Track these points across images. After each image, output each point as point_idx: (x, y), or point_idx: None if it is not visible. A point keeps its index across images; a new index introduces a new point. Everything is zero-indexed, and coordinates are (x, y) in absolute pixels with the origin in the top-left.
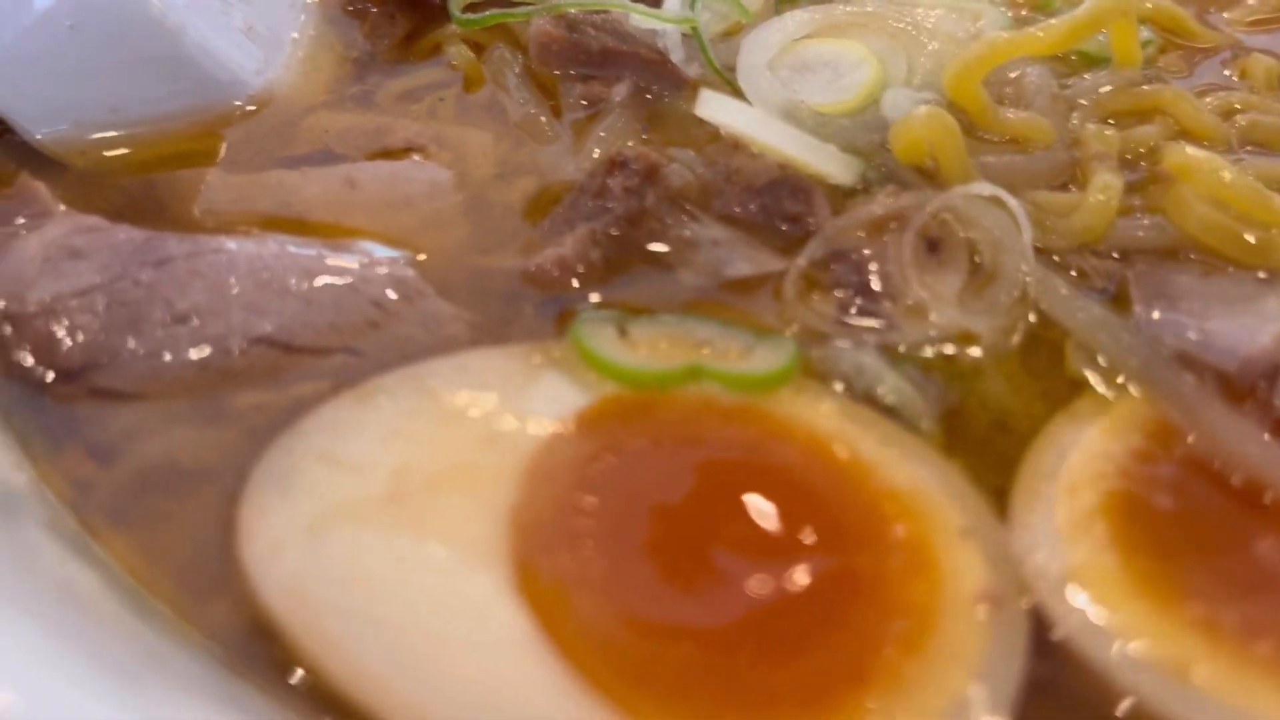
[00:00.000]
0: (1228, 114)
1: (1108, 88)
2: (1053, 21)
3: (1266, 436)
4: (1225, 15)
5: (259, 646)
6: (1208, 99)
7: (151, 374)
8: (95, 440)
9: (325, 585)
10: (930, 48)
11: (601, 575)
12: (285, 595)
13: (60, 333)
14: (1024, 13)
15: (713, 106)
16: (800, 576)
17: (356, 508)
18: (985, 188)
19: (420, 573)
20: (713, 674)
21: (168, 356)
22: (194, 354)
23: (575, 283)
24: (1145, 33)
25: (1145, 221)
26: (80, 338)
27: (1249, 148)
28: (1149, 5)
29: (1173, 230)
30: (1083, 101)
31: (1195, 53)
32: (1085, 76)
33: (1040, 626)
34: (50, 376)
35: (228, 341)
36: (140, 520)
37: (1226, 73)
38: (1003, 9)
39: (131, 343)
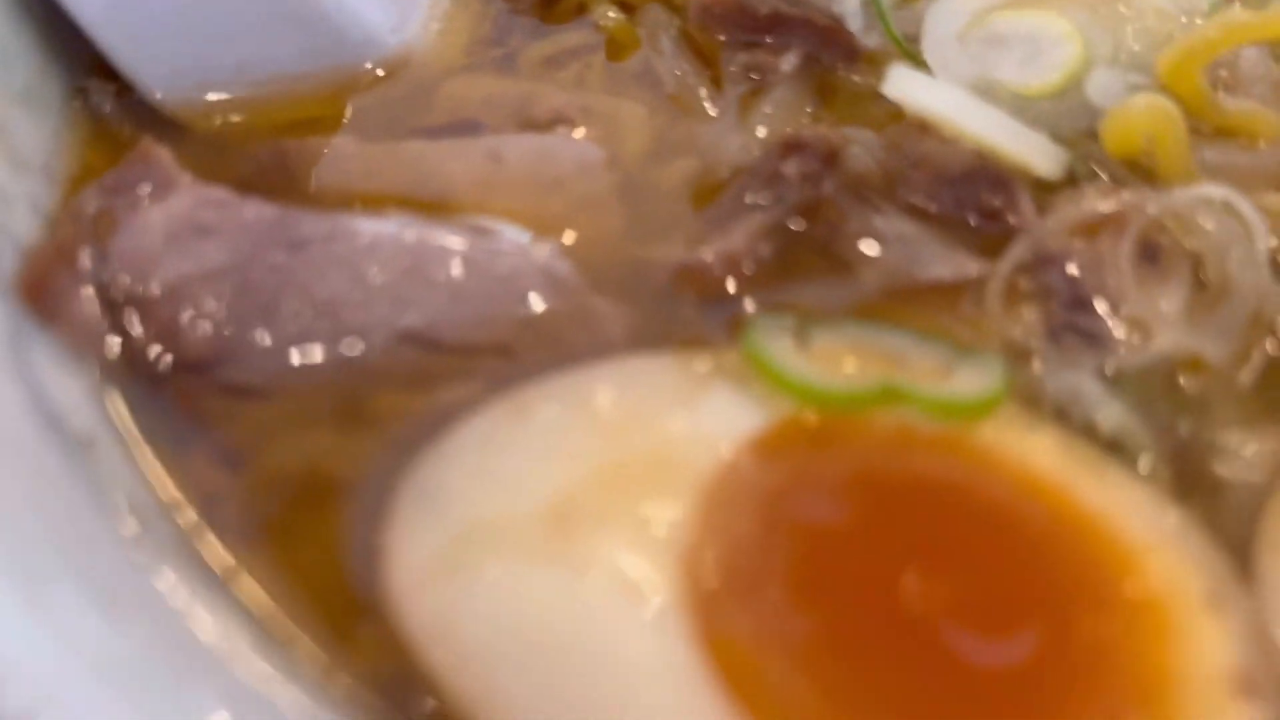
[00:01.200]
0: None
1: None
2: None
3: None
4: None
5: (403, 691)
6: None
7: (286, 371)
8: (224, 443)
9: (477, 622)
10: (1140, 25)
11: (793, 632)
12: (439, 636)
13: (187, 320)
14: None
15: (905, 84)
16: (1031, 636)
17: (513, 535)
18: (1217, 190)
19: (587, 614)
20: None
21: (304, 352)
22: (333, 350)
23: (742, 282)
24: None
25: None
26: (209, 327)
27: None
28: None
29: None
30: None
31: None
32: None
33: None
34: (173, 368)
35: (370, 337)
36: (272, 539)
37: None
38: None
39: (264, 334)
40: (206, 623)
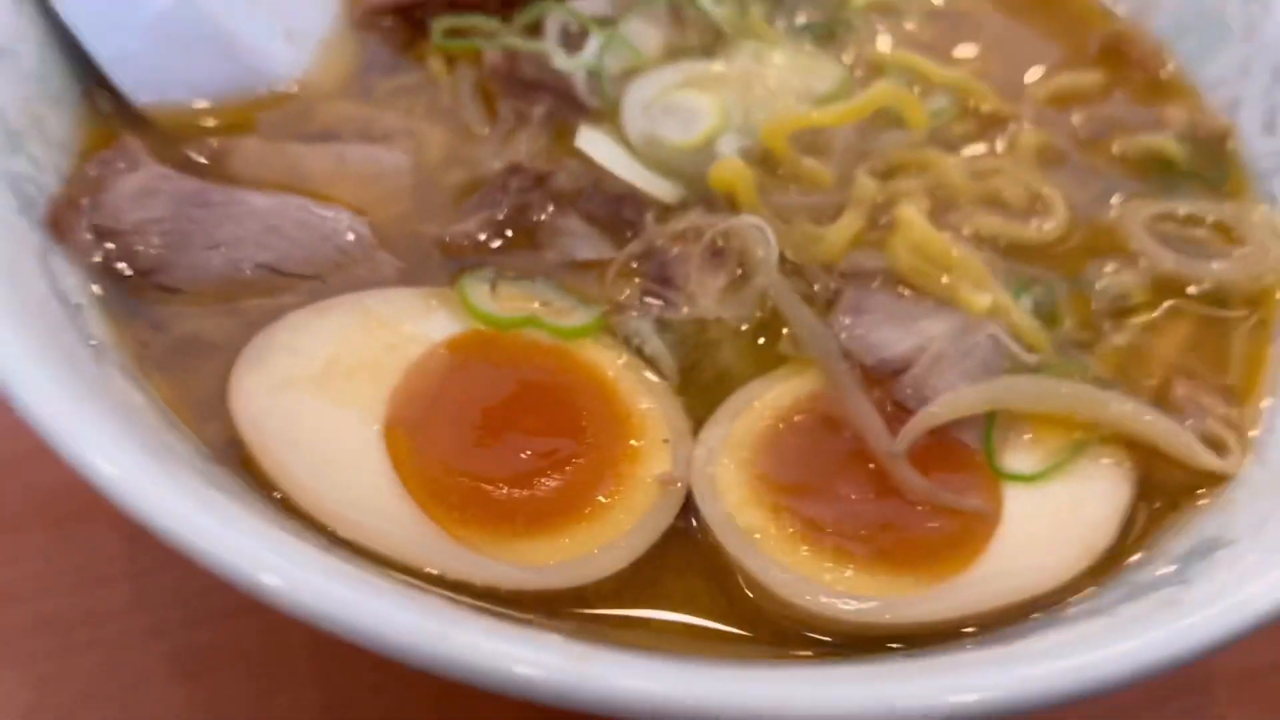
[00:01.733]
0: (985, 175)
1: (895, 144)
2: (838, 104)
3: (874, 410)
4: (1029, 90)
5: (232, 452)
6: (975, 161)
7: (192, 279)
8: (154, 317)
9: (275, 422)
10: (766, 104)
11: (434, 435)
12: (251, 426)
13: (139, 246)
14: (859, 74)
15: (585, 139)
16: (560, 451)
17: (299, 380)
18: (753, 220)
19: (330, 423)
20: (490, 501)
21: (203, 269)
22: (219, 269)
23: (471, 251)
24: (943, 100)
25: (872, 254)
26: (151, 250)
27: (991, 202)
28: (954, 75)
29: (888, 263)
30: (871, 154)
31: (993, 121)
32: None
33: (689, 501)
34: (130, 274)
35: (241, 264)
36: (176, 369)
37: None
38: (844, 70)
39: (182, 257)
40: (135, 397)
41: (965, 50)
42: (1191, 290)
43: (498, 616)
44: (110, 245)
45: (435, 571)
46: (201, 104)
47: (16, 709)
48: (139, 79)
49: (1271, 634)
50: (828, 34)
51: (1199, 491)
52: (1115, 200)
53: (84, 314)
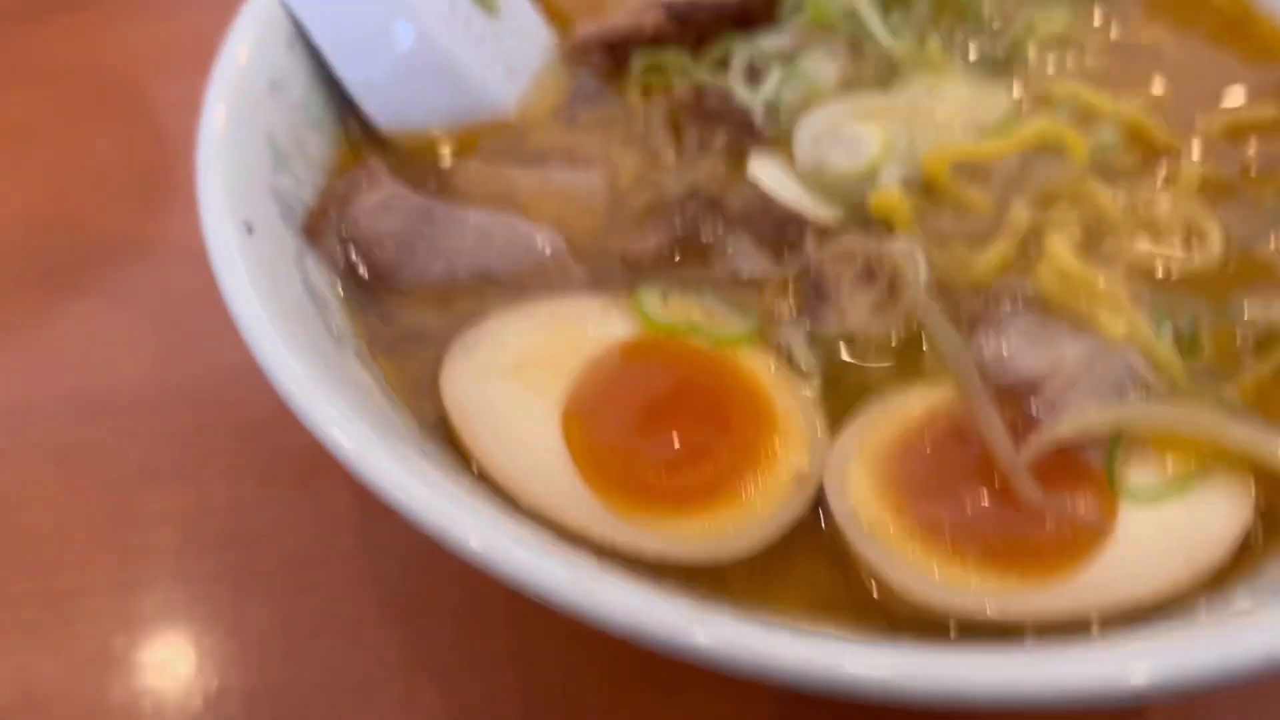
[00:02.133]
0: (1142, 206)
1: (1055, 175)
2: (997, 137)
3: (1003, 424)
4: (1200, 123)
5: (440, 428)
6: (1134, 192)
7: (417, 281)
8: (383, 311)
9: (475, 405)
10: (931, 135)
11: (602, 423)
12: (456, 407)
13: (376, 252)
14: (1028, 106)
15: (755, 166)
16: (708, 443)
17: (498, 369)
18: (904, 244)
19: (519, 408)
20: (644, 482)
21: (426, 273)
22: (439, 274)
23: (651, 265)
24: (1108, 133)
25: (1020, 280)
26: (386, 256)
27: (1146, 233)
28: (1121, 108)
29: (1034, 289)
30: (1031, 184)
31: (1159, 153)
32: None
33: (821, 496)
34: (366, 275)
35: (457, 270)
36: (398, 355)
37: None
38: (1012, 102)
39: (409, 262)
40: (366, 378)
41: (1142, 82)
42: None
43: (639, 578)
44: (352, 251)
45: (595, 538)
46: (435, 130)
47: (257, 632)
48: (384, 107)
49: None
50: (1004, 65)
51: None
52: (1276, 234)
53: (329, 306)
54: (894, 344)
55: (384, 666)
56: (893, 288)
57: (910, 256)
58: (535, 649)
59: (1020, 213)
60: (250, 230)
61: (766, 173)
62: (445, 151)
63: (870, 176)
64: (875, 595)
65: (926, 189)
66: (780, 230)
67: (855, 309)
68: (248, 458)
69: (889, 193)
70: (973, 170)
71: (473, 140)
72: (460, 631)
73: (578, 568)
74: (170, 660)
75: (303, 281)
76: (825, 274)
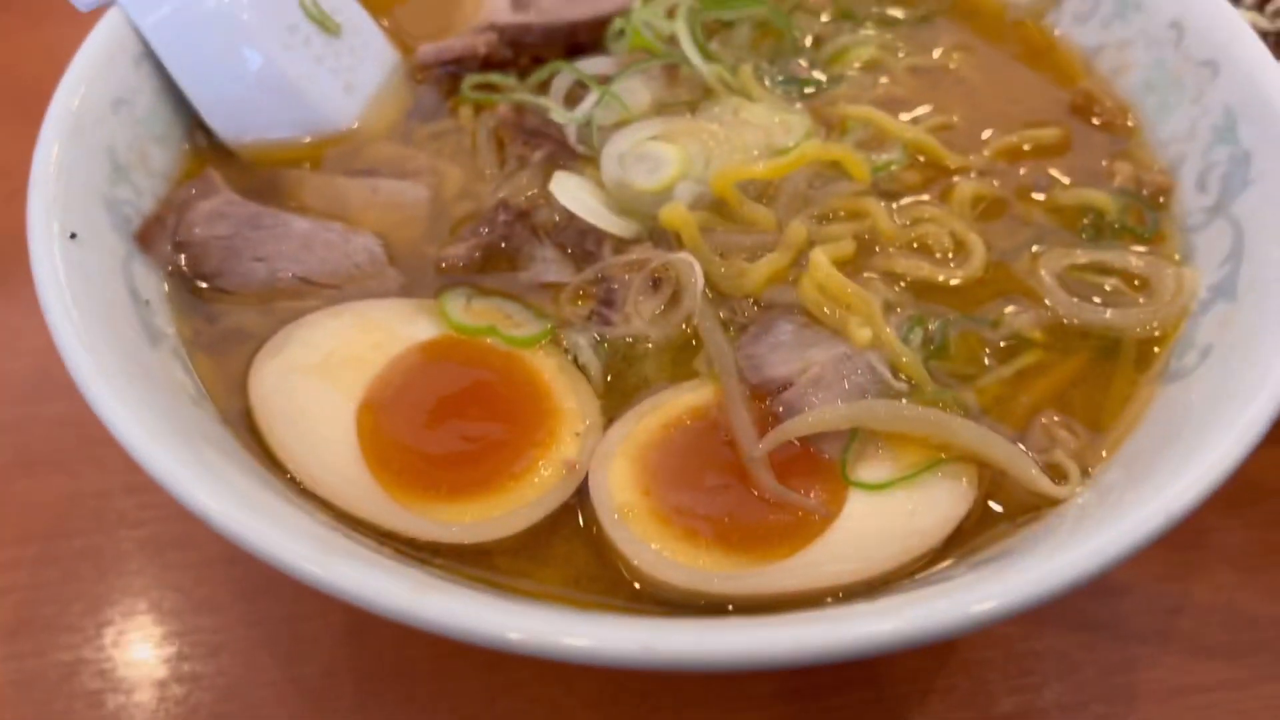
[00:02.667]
0: (915, 222)
1: (838, 193)
2: (773, 158)
3: (750, 419)
4: (984, 144)
5: (244, 422)
6: (908, 209)
7: (242, 284)
8: (209, 312)
9: (278, 399)
10: (725, 155)
11: (393, 416)
12: (260, 401)
13: (204, 256)
14: (824, 129)
15: (555, 182)
16: (489, 435)
17: (303, 367)
18: (685, 255)
19: (320, 402)
20: (423, 472)
21: (250, 276)
22: (262, 277)
23: (461, 270)
24: (895, 153)
25: (787, 290)
26: (213, 260)
27: (916, 246)
28: (908, 130)
29: (798, 298)
30: (814, 201)
31: (941, 172)
32: (835, 182)
33: (585, 486)
34: (194, 277)
35: (279, 274)
36: (218, 353)
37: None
38: (809, 125)
39: (235, 266)
40: (179, 376)
41: (942, 105)
42: (1085, 334)
43: (412, 561)
44: (183, 255)
45: (375, 522)
46: (276, 142)
47: (121, 609)
48: (228, 122)
49: (1199, 653)
50: (815, 89)
51: (1033, 513)
52: (1036, 249)
53: (152, 308)
54: (671, 346)
55: (233, 640)
56: (675, 296)
57: (689, 265)
58: (368, 626)
59: (798, 228)
60: (74, 237)
61: (566, 189)
62: (284, 162)
63: (667, 193)
64: (624, 574)
65: (719, 205)
66: (581, 241)
67: (640, 314)
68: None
69: (677, 208)
70: (763, 188)
71: (313, 152)
72: (299, 609)
73: (315, 546)
74: (42, 637)
75: (127, 285)
76: (615, 281)
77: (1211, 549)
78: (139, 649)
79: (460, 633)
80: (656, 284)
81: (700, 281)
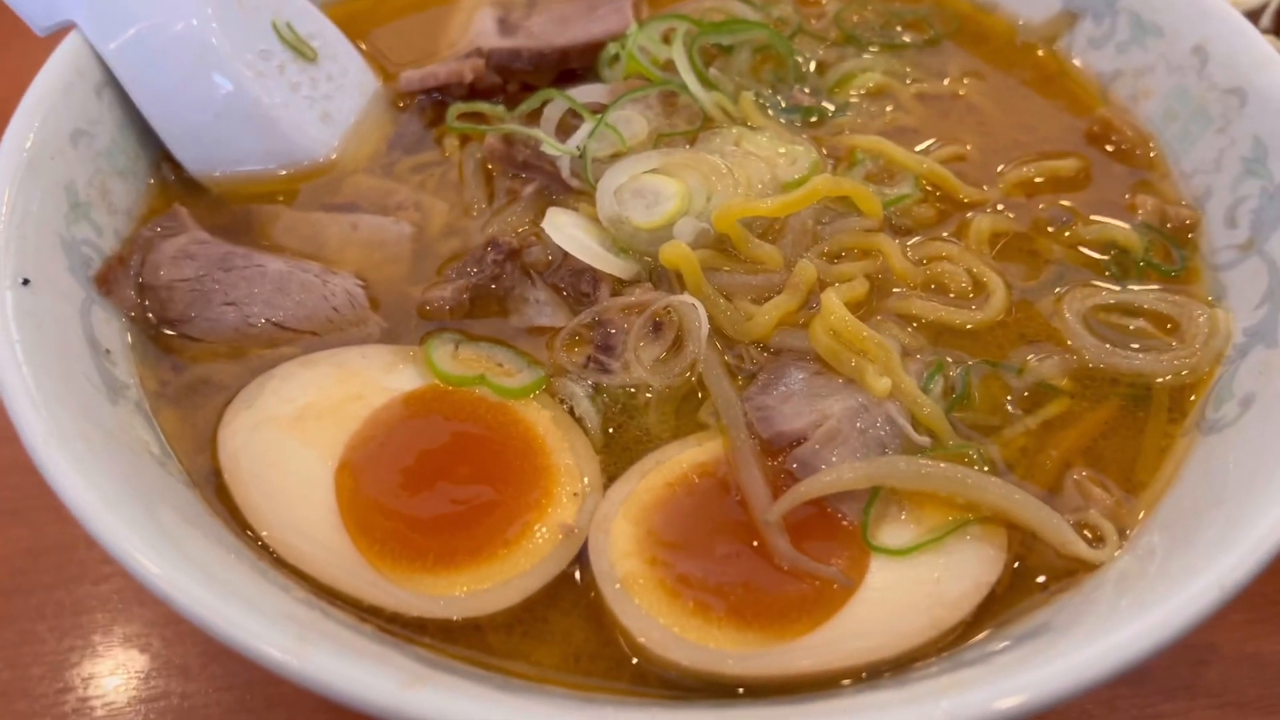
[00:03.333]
0: (930, 260)
1: (849, 229)
2: (780, 194)
3: (763, 478)
4: (1000, 176)
5: (212, 481)
6: (923, 246)
7: (210, 330)
8: (175, 361)
9: (248, 457)
10: (729, 190)
11: (375, 477)
12: (229, 458)
13: (170, 300)
14: (833, 160)
15: (548, 220)
16: (478, 497)
17: (276, 421)
18: (688, 297)
19: (295, 460)
20: (407, 539)
21: (219, 322)
22: (232, 323)
23: (448, 314)
24: (906, 186)
25: (799, 334)
26: (179, 305)
27: (933, 286)
28: (920, 161)
29: (810, 343)
30: (824, 238)
31: (957, 207)
32: (844, 218)
33: (584, 552)
34: (158, 324)
35: (251, 320)
36: (185, 406)
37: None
38: (816, 156)
39: (203, 312)
40: (141, 433)
41: (954, 135)
42: (1114, 380)
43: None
44: (147, 299)
45: (355, 596)
46: (248, 175)
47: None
48: (197, 153)
49: (1229, 709)
50: (819, 118)
51: (1069, 579)
52: (1059, 289)
53: (114, 357)
54: (675, 397)
55: (204, 705)
56: (678, 341)
57: (693, 309)
58: None
59: (807, 267)
60: (26, 283)
61: (559, 226)
62: (257, 197)
63: (667, 230)
64: (626, 650)
65: (722, 243)
66: (576, 282)
67: (640, 361)
68: None
69: (678, 247)
70: (769, 225)
71: (288, 185)
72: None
73: (290, 631)
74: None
75: (85, 333)
76: (614, 325)
77: None
78: (102, 718)
79: None
80: (658, 328)
81: (705, 325)
